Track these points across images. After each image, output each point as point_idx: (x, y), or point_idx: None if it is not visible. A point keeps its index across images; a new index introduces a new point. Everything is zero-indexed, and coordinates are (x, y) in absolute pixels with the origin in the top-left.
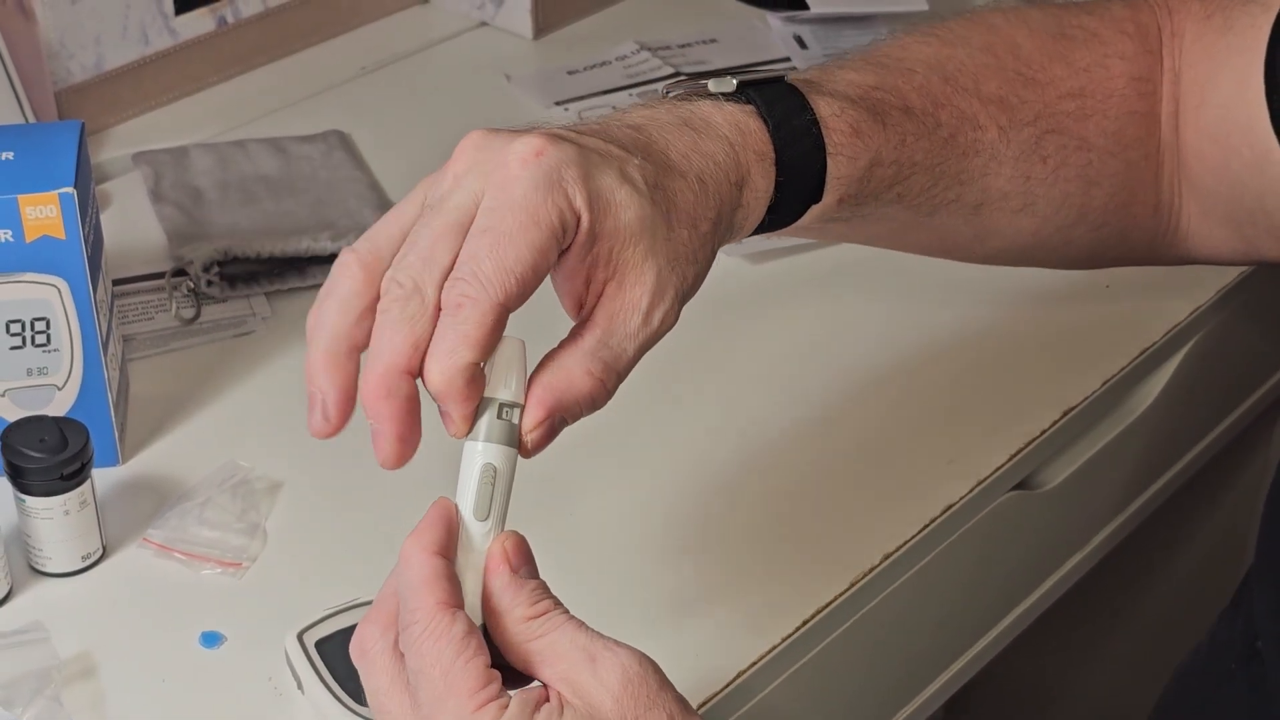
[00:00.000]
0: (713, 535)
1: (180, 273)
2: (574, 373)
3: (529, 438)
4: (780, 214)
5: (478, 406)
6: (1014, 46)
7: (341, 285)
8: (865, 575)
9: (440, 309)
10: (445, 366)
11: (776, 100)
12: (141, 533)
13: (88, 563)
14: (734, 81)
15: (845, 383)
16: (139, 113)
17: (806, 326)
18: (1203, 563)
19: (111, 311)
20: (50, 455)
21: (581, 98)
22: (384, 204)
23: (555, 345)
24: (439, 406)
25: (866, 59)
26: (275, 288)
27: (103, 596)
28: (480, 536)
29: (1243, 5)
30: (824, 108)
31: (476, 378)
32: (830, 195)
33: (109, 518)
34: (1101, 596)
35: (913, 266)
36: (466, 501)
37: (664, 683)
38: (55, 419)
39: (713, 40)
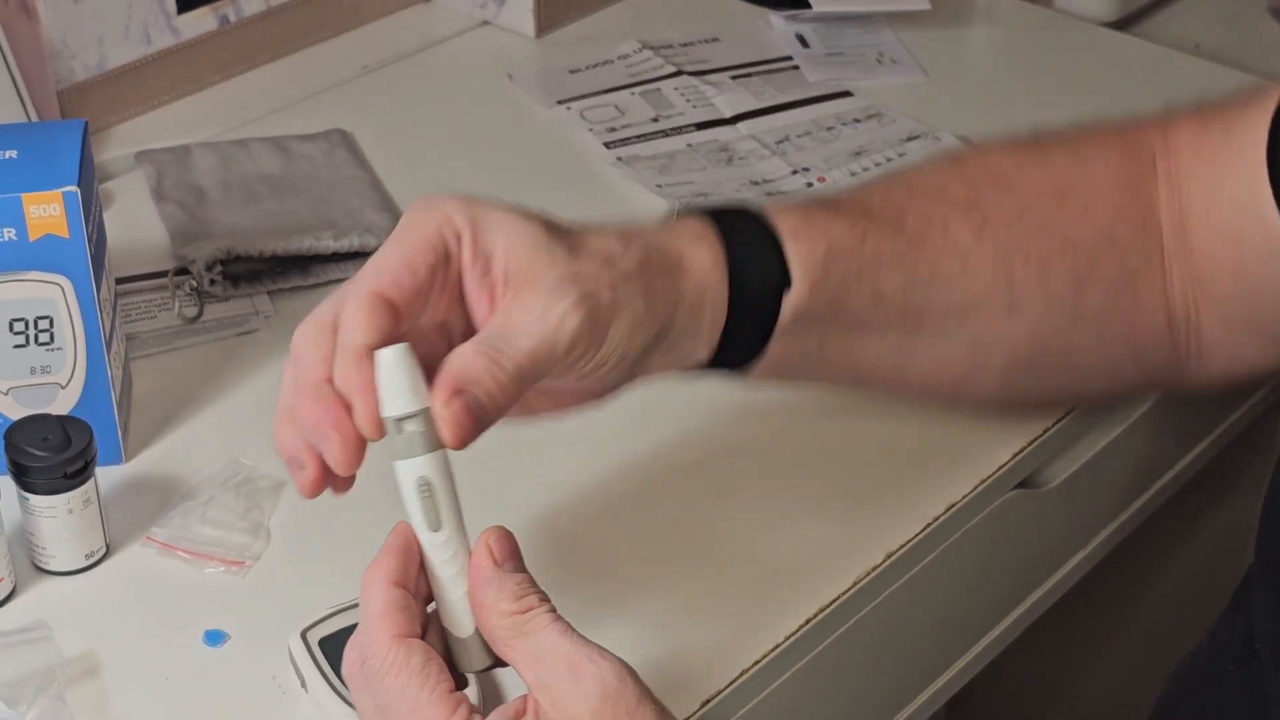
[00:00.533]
0: (714, 533)
1: (183, 271)
2: (467, 354)
3: (444, 414)
4: (752, 303)
5: (379, 413)
6: (985, 161)
7: (283, 376)
8: (868, 574)
9: None
10: (340, 357)
11: (712, 207)
12: (145, 531)
13: (91, 561)
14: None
15: None
16: (141, 112)
17: None
18: (1205, 562)
19: (115, 310)
20: (54, 454)
21: (583, 96)
22: (385, 203)
23: None
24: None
25: (820, 192)
26: (278, 286)
27: (106, 595)
28: (442, 547)
29: (1241, 111)
30: (766, 205)
31: (365, 360)
32: (800, 281)
33: (112, 516)
34: (1104, 595)
35: None
36: (415, 520)
37: (642, 695)
38: (59, 417)
39: (715, 39)
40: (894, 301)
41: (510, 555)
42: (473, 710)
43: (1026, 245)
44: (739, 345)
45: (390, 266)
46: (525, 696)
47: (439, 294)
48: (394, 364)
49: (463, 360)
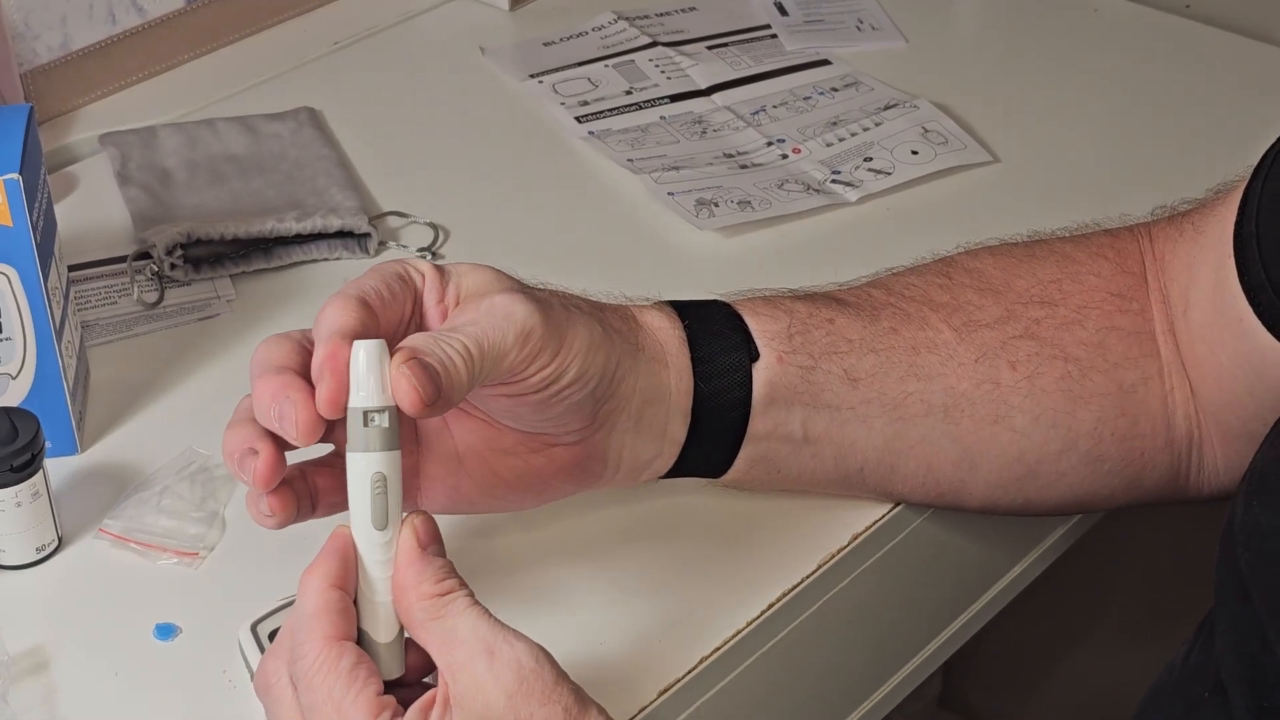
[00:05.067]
0: (677, 519)
1: (144, 256)
2: (417, 335)
3: (402, 372)
4: (721, 375)
5: (349, 403)
6: (971, 269)
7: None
8: (832, 557)
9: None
10: (319, 341)
11: (669, 302)
12: (100, 523)
13: (42, 555)
14: None
15: None
16: (108, 93)
17: None
18: (1194, 536)
19: (67, 299)
20: None
21: (556, 69)
22: (351, 182)
23: None
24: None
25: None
26: (240, 269)
27: (57, 589)
28: (383, 547)
29: (1211, 210)
30: (724, 297)
31: (342, 344)
32: (768, 353)
33: (67, 508)
34: (1089, 573)
35: (885, 239)
36: (363, 516)
37: (559, 677)
38: (5, 409)
39: (692, 9)
40: (871, 386)
41: (434, 539)
42: (397, 713)
43: (1013, 350)
44: (716, 425)
45: (367, 282)
46: (433, 690)
47: (406, 330)
48: (370, 356)
49: (413, 339)
